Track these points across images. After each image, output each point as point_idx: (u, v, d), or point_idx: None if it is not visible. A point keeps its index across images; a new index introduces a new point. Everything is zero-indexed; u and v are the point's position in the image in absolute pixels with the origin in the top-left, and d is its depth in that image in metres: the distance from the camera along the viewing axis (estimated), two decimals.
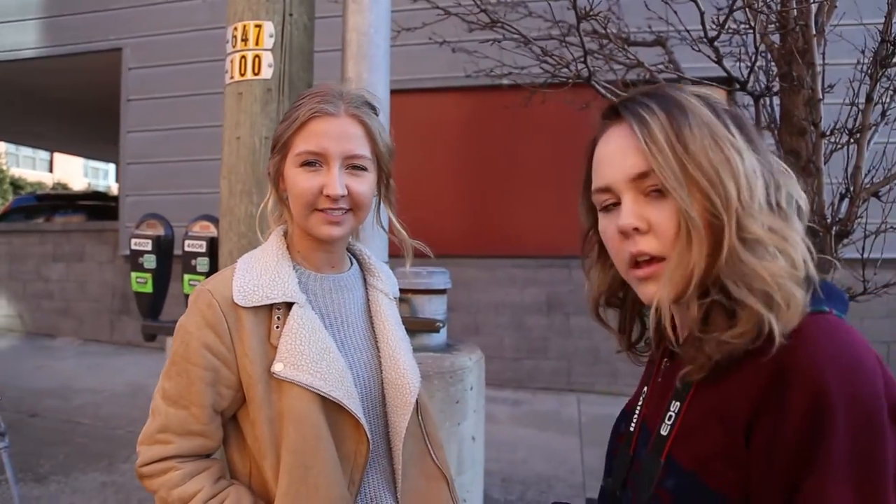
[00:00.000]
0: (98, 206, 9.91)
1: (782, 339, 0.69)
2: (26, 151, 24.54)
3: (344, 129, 1.08)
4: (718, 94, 0.82)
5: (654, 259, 0.78)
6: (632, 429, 0.91)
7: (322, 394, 1.02)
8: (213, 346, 1.04)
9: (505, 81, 3.39)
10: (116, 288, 7.43)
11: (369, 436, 1.07)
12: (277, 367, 1.03)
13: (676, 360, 0.84)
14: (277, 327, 1.06)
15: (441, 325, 2.18)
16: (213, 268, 2.57)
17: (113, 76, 7.58)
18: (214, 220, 2.64)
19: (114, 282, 7.45)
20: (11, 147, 22.56)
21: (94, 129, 12.89)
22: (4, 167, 22.12)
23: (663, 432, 0.80)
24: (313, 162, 1.06)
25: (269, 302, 1.06)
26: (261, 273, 1.09)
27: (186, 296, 2.69)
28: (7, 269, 8.15)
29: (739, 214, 0.73)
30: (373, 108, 1.14)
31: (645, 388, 0.94)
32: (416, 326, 2.18)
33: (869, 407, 0.64)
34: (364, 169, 1.10)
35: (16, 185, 21.85)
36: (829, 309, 0.73)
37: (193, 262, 2.62)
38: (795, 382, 0.67)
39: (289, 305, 1.08)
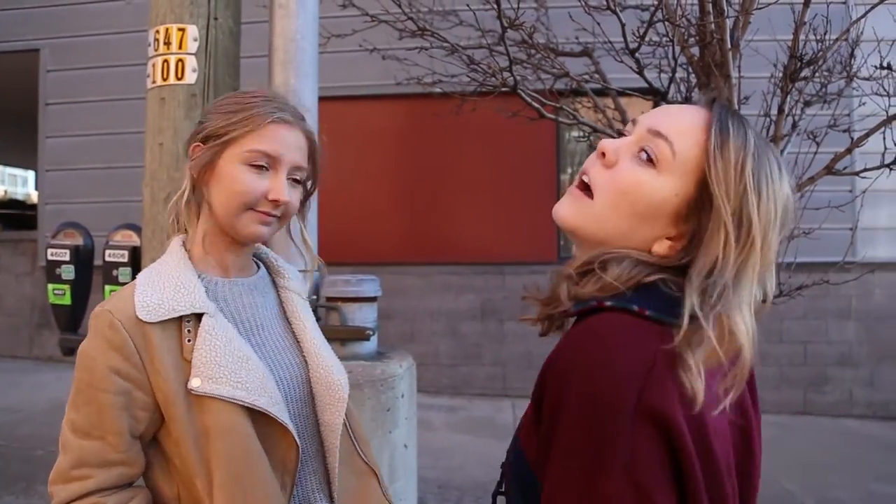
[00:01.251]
0: (15, 215, 9.47)
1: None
2: None
3: (297, 141, 1.11)
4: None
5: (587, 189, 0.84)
6: None
7: (245, 404, 0.99)
8: (121, 369, 0.98)
9: (436, 89, 3.41)
10: (36, 301, 7.07)
11: (298, 441, 1.05)
12: (195, 383, 0.99)
13: None
14: (189, 341, 1.02)
15: (371, 333, 2.17)
16: (134, 278, 2.49)
17: (30, 78, 7.24)
18: (137, 229, 2.56)
19: (33, 294, 7.09)
20: None
21: (11, 134, 12.26)
22: None
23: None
24: (263, 164, 1.06)
25: (176, 315, 1.01)
26: (164, 286, 1.04)
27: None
28: None
29: None
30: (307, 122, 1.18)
31: None
32: (346, 335, 2.16)
33: (603, 404, 0.68)
34: (300, 182, 1.13)
35: None
36: (640, 308, 0.75)
37: (115, 272, 2.52)
38: (549, 375, 0.74)
39: (198, 316, 1.03)
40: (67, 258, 2.63)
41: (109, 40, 6.79)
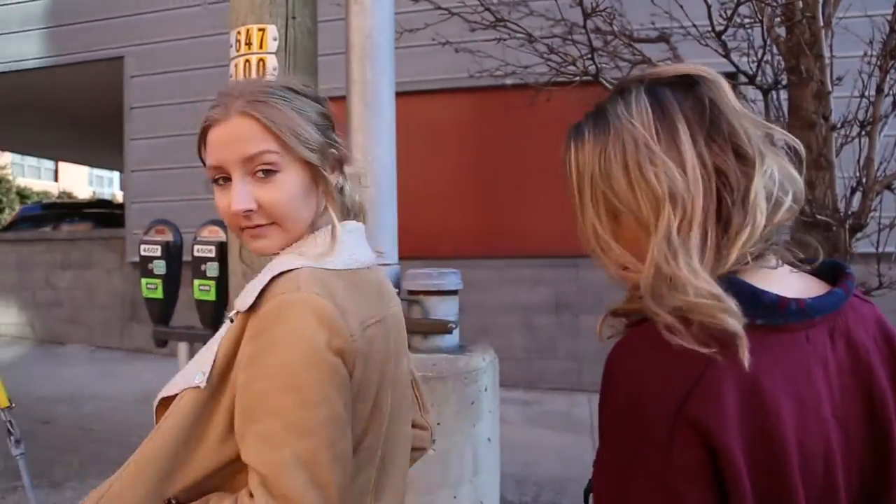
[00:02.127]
0: (104, 214, 9.96)
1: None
2: (31, 161, 24.65)
3: (233, 132, 0.91)
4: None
5: None
6: None
7: None
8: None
9: (509, 81, 3.38)
10: (125, 295, 7.45)
11: None
12: None
13: None
14: None
15: (453, 326, 2.17)
16: (223, 272, 2.57)
17: (115, 84, 7.60)
18: (223, 225, 2.65)
19: (122, 289, 7.47)
20: (17, 157, 22.65)
21: (98, 138, 12.92)
22: (10, 177, 22.20)
23: None
24: (219, 178, 0.94)
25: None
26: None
27: (196, 301, 2.70)
28: (17, 278, 8.17)
29: None
30: (279, 94, 0.95)
31: None
32: (428, 328, 2.17)
33: (642, 407, 0.66)
34: (273, 171, 0.91)
35: (22, 194, 21.93)
36: None
37: (203, 266, 2.62)
38: (603, 372, 0.74)
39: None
40: (159, 254, 2.74)
41: (187, 45, 7.05)
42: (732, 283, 0.68)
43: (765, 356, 0.66)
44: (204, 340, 2.70)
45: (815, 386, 0.68)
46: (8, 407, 3.23)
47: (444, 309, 2.19)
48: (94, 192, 28.53)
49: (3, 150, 18.88)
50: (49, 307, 7.82)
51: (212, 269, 2.60)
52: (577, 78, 2.62)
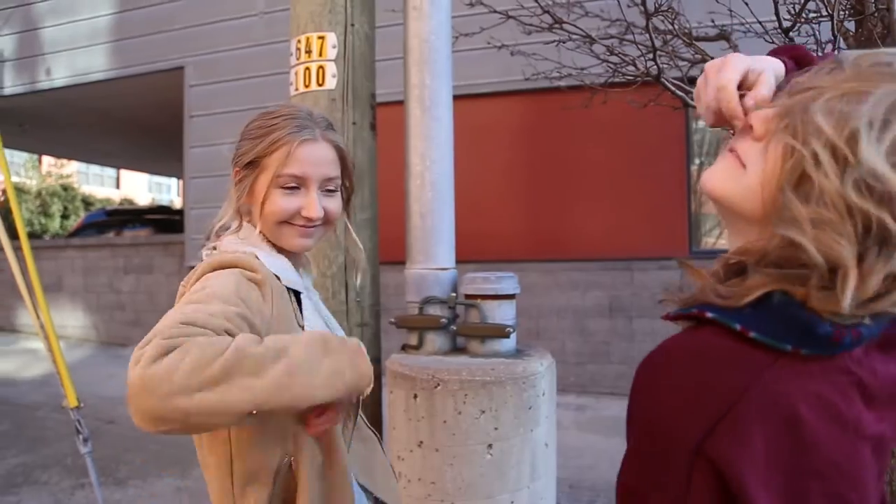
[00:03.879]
0: (164, 220, 10.28)
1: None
2: (95, 169, 25.62)
3: (322, 155, 1.14)
4: None
5: None
6: None
7: None
8: (249, 300, 0.97)
9: (563, 83, 3.35)
10: None
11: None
12: None
13: None
14: (296, 311, 1.12)
15: (511, 330, 2.15)
16: None
17: (176, 94, 7.85)
18: None
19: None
20: (82, 166, 23.62)
21: (157, 146, 13.37)
22: (76, 185, 23.11)
23: None
24: (294, 185, 1.12)
25: (294, 286, 1.13)
26: (275, 259, 1.13)
27: None
28: (82, 282, 8.51)
29: None
30: (333, 126, 1.22)
31: None
32: (486, 332, 2.16)
33: (662, 435, 0.62)
34: (335, 190, 1.19)
35: (86, 201, 22.78)
36: (742, 327, 0.63)
37: None
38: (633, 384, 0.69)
39: (295, 294, 1.14)
40: None
41: (245, 54, 7.23)
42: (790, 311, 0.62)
43: (807, 381, 0.61)
44: None
45: (854, 409, 0.62)
46: (77, 407, 3.36)
47: (502, 313, 2.17)
48: (153, 199, 29.48)
49: (69, 159, 19.71)
50: (112, 310, 8.12)
51: None
52: (638, 79, 2.57)
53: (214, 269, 1.01)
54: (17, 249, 3.20)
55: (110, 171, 27.37)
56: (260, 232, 1.14)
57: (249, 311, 0.94)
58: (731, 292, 0.65)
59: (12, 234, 3.34)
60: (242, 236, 1.15)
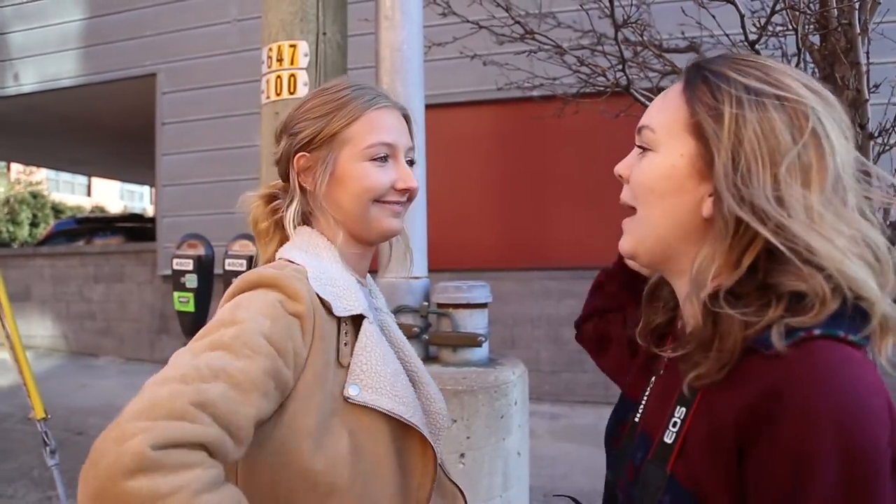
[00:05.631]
0: (135, 228, 10.14)
1: (783, 349, 0.63)
2: (65, 177, 25.23)
3: (401, 122, 1.04)
4: None
5: None
6: (636, 420, 0.85)
7: (404, 420, 0.92)
8: (279, 341, 0.82)
9: (535, 93, 3.37)
10: (155, 307, 7.56)
11: (436, 465, 0.97)
12: (352, 392, 0.89)
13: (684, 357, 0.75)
14: (346, 344, 0.92)
15: (483, 339, 2.16)
16: None
17: (148, 101, 7.76)
18: (253, 239, 2.67)
19: (153, 301, 7.58)
20: (52, 173, 23.22)
21: (129, 153, 13.21)
22: (45, 192, 22.73)
23: (667, 440, 0.73)
24: (385, 155, 1.00)
25: (348, 313, 0.92)
26: (332, 277, 0.94)
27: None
28: (51, 291, 8.35)
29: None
30: None
31: (652, 380, 0.87)
32: (458, 341, 2.16)
33: (865, 462, 0.57)
34: (413, 162, 1.07)
35: (56, 209, 22.42)
36: (845, 334, 0.64)
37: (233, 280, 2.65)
38: (787, 418, 0.60)
39: (354, 321, 0.95)
40: (191, 267, 2.78)
41: (218, 61, 7.18)
42: None
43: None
44: None
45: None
46: (43, 418, 3.29)
47: (474, 322, 2.17)
48: (125, 207, 29.06)
49: (39, 166, 19.37)
50: (82, 319, 7.97)
51: None
52: (608, 89, 2.60)
53: (252, 289, 0.87)
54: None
55: (81, 179, 26.96)
56: (338, 223, 1.00)
57: (283, 359, 0.80)
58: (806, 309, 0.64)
59: None
60: (304, 243, 0.99)
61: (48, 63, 8.31)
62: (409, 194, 1.03)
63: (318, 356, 0.87)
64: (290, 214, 1.01)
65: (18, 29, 8.48)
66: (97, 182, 27.16)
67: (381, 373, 0.92)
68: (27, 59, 8.43)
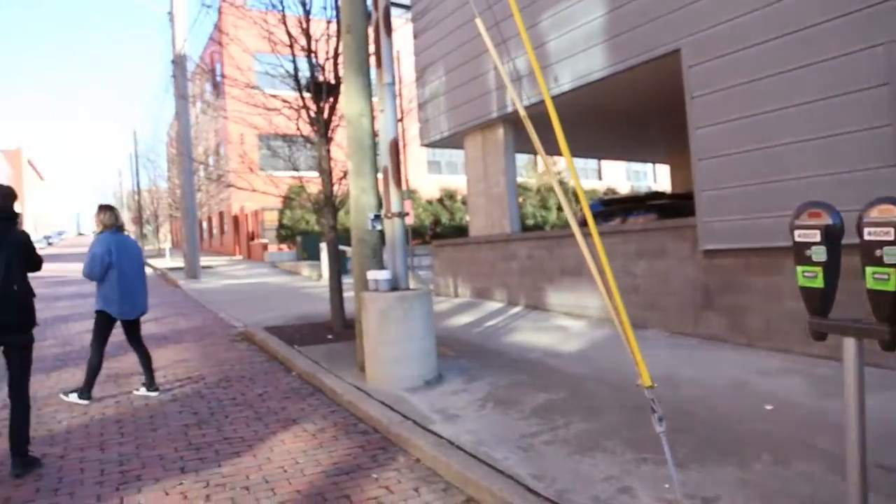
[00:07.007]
0: (664, 205, 10.45)
1: None
2: (578, 163, 28.16)
3: None
4: None
5: None
6: None
7: None
8: None
9: None
10: (698, 283, 7.59)
11: None
12: None
13: None
14: None
15: None
16: None
17: (671, 78, 7.84)
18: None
19: (695, 276, 7.63)
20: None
21: (639, 135, 13.76)
22: (565, 180, 25.74)
23: None
24: None
25: None
26: None
27: (869, 291, 2.39)
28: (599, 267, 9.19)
29: None
30: None
31: None
32: None
33: None
34: None
35: (575, 194, 25.11)
36: None
37: (878, 251, 2.31)
38: None
39: None
40: (818, 239, 2.54)
41: (740, 23, 6.78)
42: None
43: None
44: (875, 335, 2.39)
45: None
46: (650, 387, 3.53)
47: None
48: (631, 186, 30.82)
49: (559, 156, 22.00)
50: (627, 294, 8.48)
51: (890, 253, 2.27)
52: None
53: None
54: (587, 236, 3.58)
55: (592, 164, 29.63)
56: None
57: None
58: None
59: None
60: None
61: (578, 61, 9.15)
62: None
63: None
64: None
65: (553, 37, 9.58)
66: (606, 165, 29.47)
67: None
68: (563, 62, 9.45)
